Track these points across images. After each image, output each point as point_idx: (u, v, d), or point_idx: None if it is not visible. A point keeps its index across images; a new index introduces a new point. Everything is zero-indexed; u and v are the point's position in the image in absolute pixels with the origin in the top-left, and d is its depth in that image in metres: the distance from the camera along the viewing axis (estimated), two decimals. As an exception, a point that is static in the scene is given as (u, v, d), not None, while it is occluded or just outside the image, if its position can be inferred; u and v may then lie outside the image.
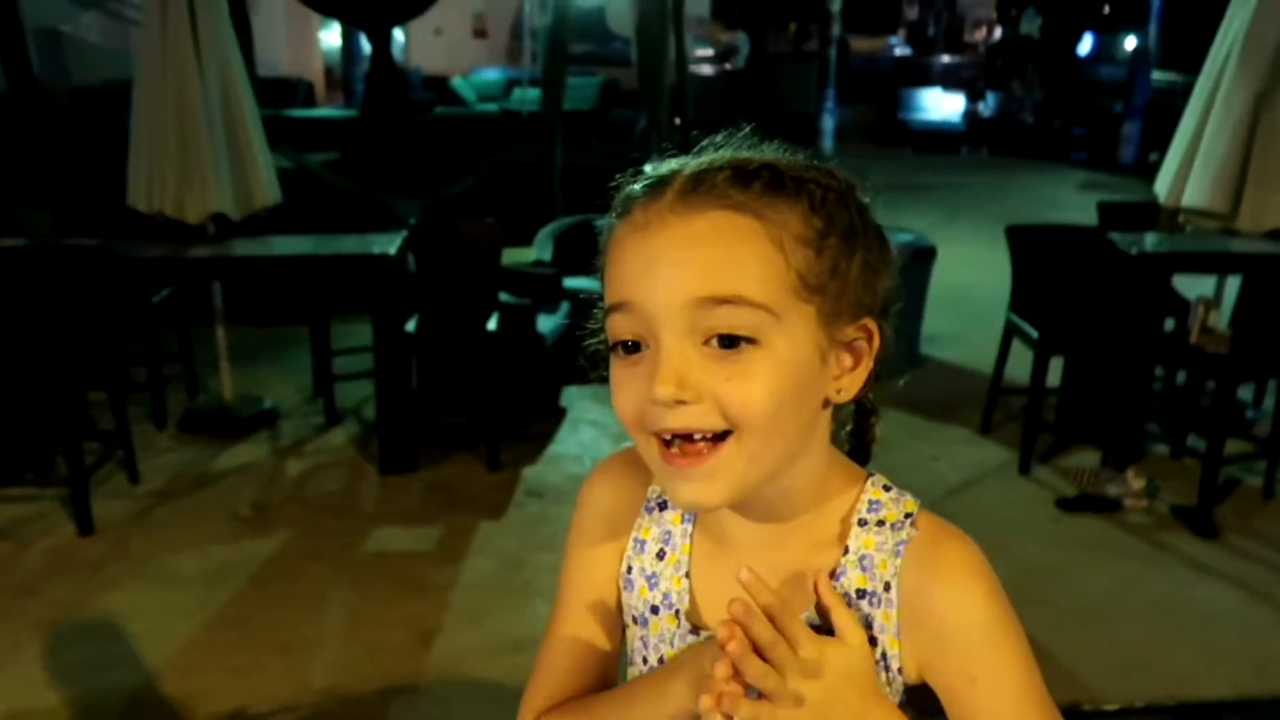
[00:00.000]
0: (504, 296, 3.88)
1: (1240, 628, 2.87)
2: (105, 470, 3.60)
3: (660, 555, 0.86)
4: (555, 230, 5.00)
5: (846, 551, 0.79)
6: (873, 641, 0.78)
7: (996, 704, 0.75)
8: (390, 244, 3.68)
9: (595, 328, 0.80)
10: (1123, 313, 3.77)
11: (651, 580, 0.86)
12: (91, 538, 3.24)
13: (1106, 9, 14.35)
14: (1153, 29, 11.50)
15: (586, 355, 0.82)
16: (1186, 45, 7.60)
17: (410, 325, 3.77)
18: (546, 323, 4.07)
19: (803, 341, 0.72)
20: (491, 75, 13.50)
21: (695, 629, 0.83)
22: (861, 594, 0.78)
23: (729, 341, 0.70)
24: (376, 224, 4.18)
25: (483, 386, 3.74)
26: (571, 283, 4.37)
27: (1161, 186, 4.04)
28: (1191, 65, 4.40)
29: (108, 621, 2.80)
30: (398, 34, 10.75)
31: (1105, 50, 13.97)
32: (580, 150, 7.38)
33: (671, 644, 0.85)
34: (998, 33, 17.71)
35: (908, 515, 0.79)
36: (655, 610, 0.86)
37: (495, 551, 3.20)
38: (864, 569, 0.78)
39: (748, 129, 0.78)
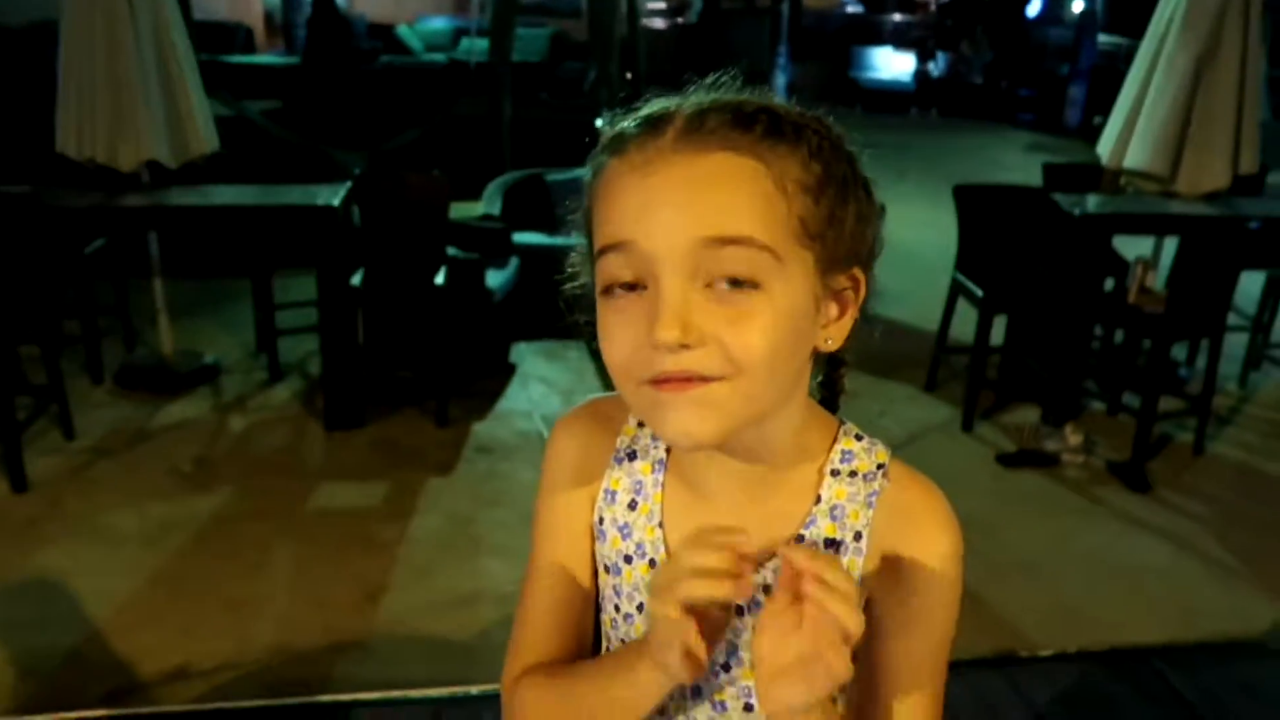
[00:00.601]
0: (452, 251, 3.82)
1: (1169, 577, 2.98)
2: (39, 426, 3.50)
3: (632, 506, 0.86)
4: (504, 184, 4.93)
5: (818, 501, 0.80)
6: None
7: (919, 651, 0.79)
8: (334, 195, 3.60)
9: (574, 270, 0.79)
10: (1065, 272, 3.84)
11: (624, 531, 0.85)
12: (26, 495, 3.15)
13: (1056, -30, 14.40)
14: (1100, -8, 11.61)
15: (564, 299, 0.80)
16: (1132, 9, 7.68)
17: (356, 279, 3.71)
18: (495, 278, 4.03)
19: (800, 288, 0.71)
20: (439, 24, 13.18)
21: None
22: (830, 543, 0.79)
23: (733, 284, 0.68)
24: (319, 175, 4.08)
25: (430, 342, 3.70)
26: (520, 237, 4.32)
27: (1104, 149, 4.10)
28: (1136, 29, 4.45)
29: (45, 580, 2.74)
30: (341, -21, 10.42)
31: (1054, 12, 14.05)
32: (529, 103, 7.25)
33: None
34: (949, -8, 17.69)
35: (880, 466, 0.81)
36: (628, 560, 0.85)
37: (443, 508, 3.19)
38: (834, 519, 0.79)
39: (735, 71, 0.76)
